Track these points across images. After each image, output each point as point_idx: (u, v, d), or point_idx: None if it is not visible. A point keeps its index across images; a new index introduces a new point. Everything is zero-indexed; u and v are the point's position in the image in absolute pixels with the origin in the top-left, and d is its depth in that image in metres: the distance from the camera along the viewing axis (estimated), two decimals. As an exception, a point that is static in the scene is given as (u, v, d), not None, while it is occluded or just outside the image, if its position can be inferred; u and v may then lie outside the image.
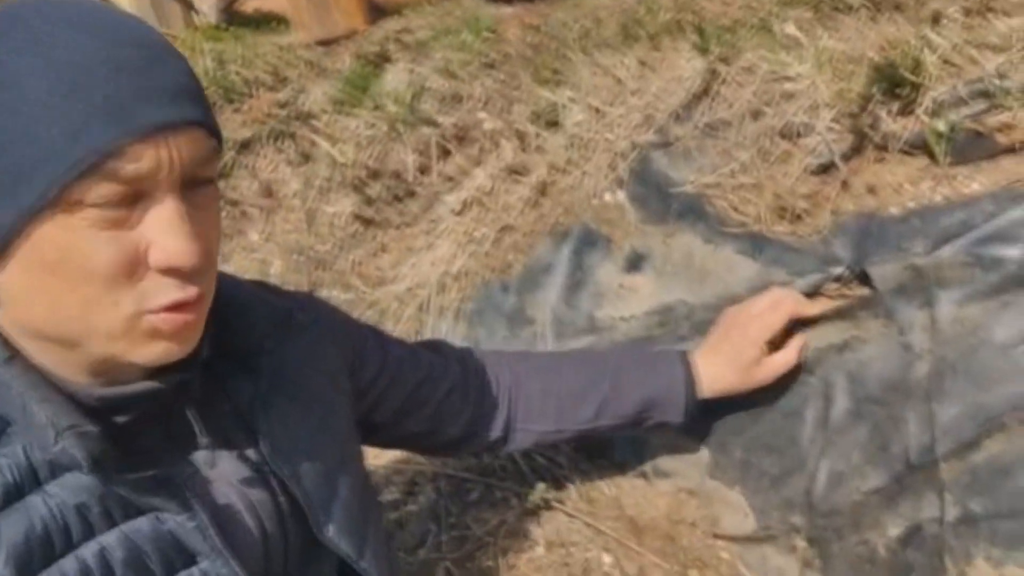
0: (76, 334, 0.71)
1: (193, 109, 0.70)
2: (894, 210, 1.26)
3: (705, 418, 1.34)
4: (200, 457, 0.83)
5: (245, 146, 2.25)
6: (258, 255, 2.06)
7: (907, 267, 1.20)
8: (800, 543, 1.24)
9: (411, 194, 1.92)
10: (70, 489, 0.71)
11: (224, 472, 0.84)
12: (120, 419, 0.76)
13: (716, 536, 1.32)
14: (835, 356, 1.25)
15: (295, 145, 2.14)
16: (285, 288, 1.09)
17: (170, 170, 0.68)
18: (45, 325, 0.71)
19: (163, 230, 0.69)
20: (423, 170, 1.92)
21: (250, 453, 0.86)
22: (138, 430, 0.78)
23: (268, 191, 2.17)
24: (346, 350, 1.06)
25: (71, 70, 0.65)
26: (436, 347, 1.22)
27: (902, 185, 1.28)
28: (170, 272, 0.71)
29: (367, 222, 1.90)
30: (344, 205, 1.95)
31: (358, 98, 2.08)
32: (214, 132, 0.74)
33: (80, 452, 0.69)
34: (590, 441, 1.36)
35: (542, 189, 1.66)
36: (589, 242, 1.55)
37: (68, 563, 0.70)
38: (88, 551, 0.71)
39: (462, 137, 1.91)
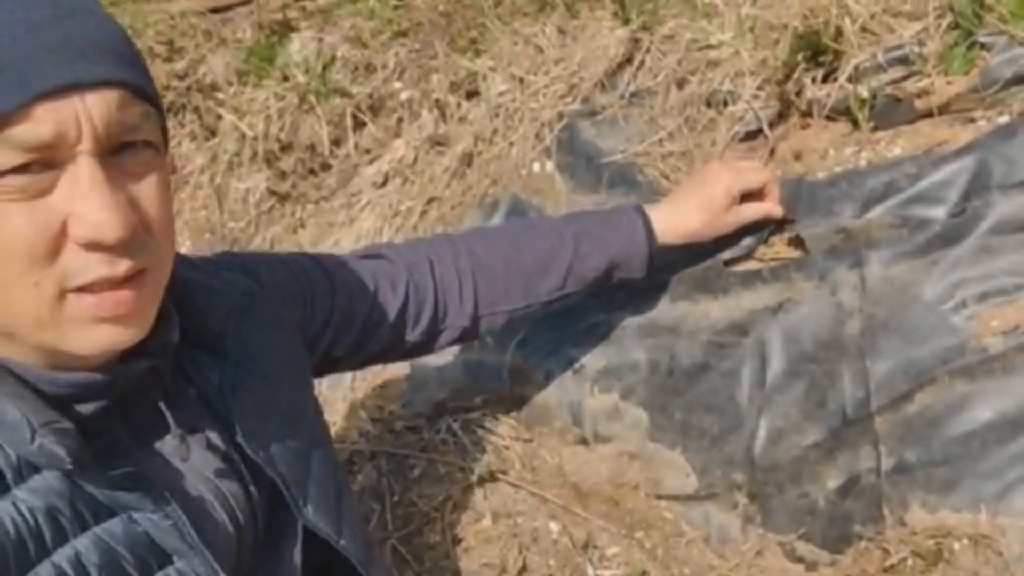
0: (3, 323, 0.67)
1: (108, 67, 0.65)
2: (821, 175, 1.30)
3: (640, 379, 1.37)
4: (170, 449, 0.80)
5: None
6: (165, 234, 1.98)
7: (838, 230, 1.25)
8: (741, 499, 1.29)
9: (327, 167, 1.88)
10: (39, 492, 0.67)
11: (195, 464, 0.81)
12: (85, 409, 0.72)
13: (659, 497, 1.35)
14: (770, 317, 1.29)
15: (199, 119, 2.06)
16: (214, 253, 1.04)
17: (80, 134, 0.63)
18: None
19: (81, 200, 0.64)
20: (338, 142, 1.88)
21: (218, 441, 0.83)
22: (103, 424, 0.74)
23: (171, 168, 2.09)
24: (295, 305, 1.02)
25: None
26: (382, 254, 1.15)
27: (827, 150, 1.32)
28: (93, 246, 0.65)
29: (282, 197, 1.85)
30: (256, 180, 1.89)
31: (264, 69, 2.01)
32: (141, 93, 0.68)
33: (60, 450, 0.66)
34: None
35: (467, 160, 1.65)
36: (520, 212, 1.55)
37: (44, 571, 0.66)
38: (63, 557, 0.67)
39: (377, 108, 1.87)
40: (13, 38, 0.61)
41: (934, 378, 1.16)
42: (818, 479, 1.23)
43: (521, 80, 1.66)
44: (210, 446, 0.83)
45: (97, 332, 0.68)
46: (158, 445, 0.79)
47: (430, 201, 1.65)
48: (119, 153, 0.66)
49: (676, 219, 1.24)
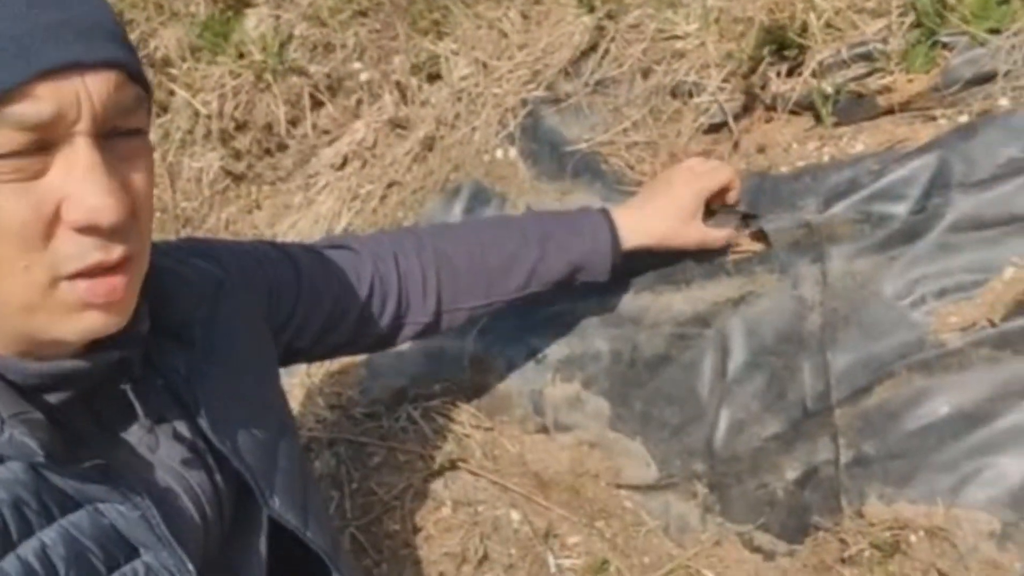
0: None
1: (109, 48, 0.64)
2: (785, 169, 1.31)
3: (602, 369, 1.37)
4: (138, 440, 0.78)
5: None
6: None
7: (800, 224, 1.26)
8: (701, 489, 1.30)
9: (283, 147, 1.84)
10: (5, 484, 0.65)
11: (163, 455, 0.79)
12: (52, 399, 0.70)
13: (619, 486, 1.36)
14: (731, 310, 1.31)
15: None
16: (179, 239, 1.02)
17: (79, 114, 0.62)
18: None
19: (78, 182, 0.63)
20: (295, 122, 1.85)
21: (185, 431, 0.82)
22: (68, 414, 0.72)
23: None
24: (260, 294, 1.01)
25: None
26: (347, 245, 1.15)
27: (791, 145, 1.33)
28: (88, 231, 0.64)
29: (237, 178, 1.81)
30: (210, 160, 1.85)
31: (219, 45, 1.96)
32: (137, 76, 0.67)
33: (32, 441, 0.64)
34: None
35: (429, 144, 1.63)
36: (482, 199, 1.54)
37: (9, 564, 0.64)
38: (29, 550, 0.65)
39: (336, 88, 1.84)
40: (13, 15, 0.60)
41: (893, 372, 1.18)
42: (777, 470, 1.25)
43: (484, 64, 1.64)
44: (177, 436, 0.81)
45: (85, 318, 0.67)
46: (125, 436, 0.78)
47: (390, 185, 1.63)
48: (112, 137, 0.65)
49: (641, 224, 1.25)
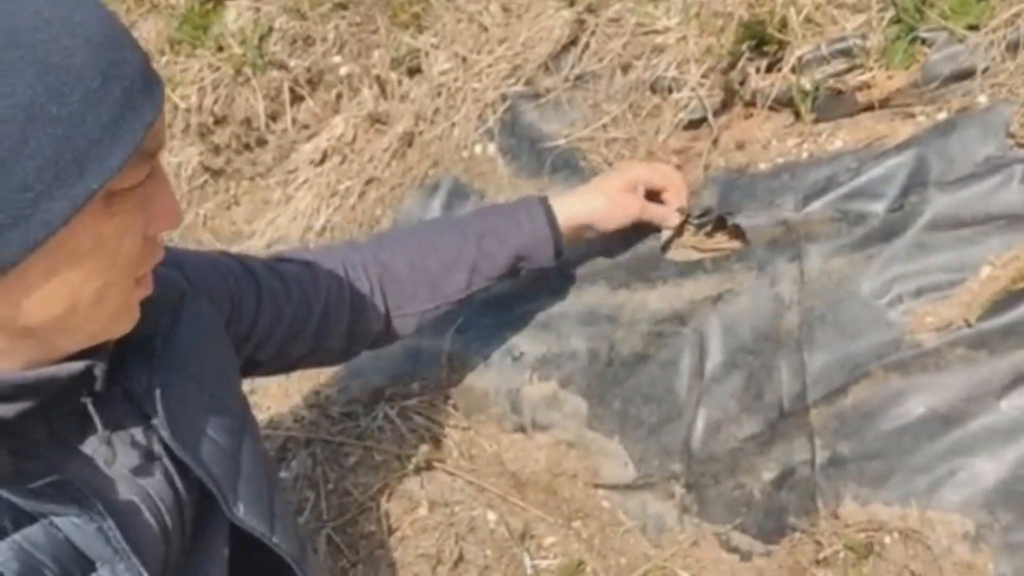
0: (73, 323, 0.69)
1: (157, 77, 0.69)
2: (763, 166, 1.30)
3: (579, 368, 1.36)
4: (94, 452, 0.77)
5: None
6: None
7: (779, 222, 1.25)
8: (678, 489, 1.29)
9: (262, 142, 1.83)
10: None
11: (121, 466, 0.78)
12: (8, 411, 0.69)
13: (596, 486, 1.35)
14: (709, 308, 1.29)
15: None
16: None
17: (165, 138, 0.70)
18: (49, 319, 0.67)
19: (163, 196, 0.70)
20: (275, 116, 1.83)
21: (145, 440, 0.81)
22: (23, 425, 0.71)
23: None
24: (223, 305, 1.01)
25: (104, 48, 0.62)
26: (302, 260, 1.16)
27: (770, 141, 1.32)
28: (157, 236, 0.72)
29: (216, 173, 1.80)
30: (189, 154, 1.83)
31: (198, 38, 1.94)
32: None
33: None
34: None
35: (408, 140, 1.62)
36: (460, 196, 1.53)
37: None
38: None
39: (316, 82, 1.83)
40: (123, 56, 0.63)
41: (869, 372, 1.17)
42: (754, 470, 1.24)
43: (464, 59, 1.63)
44: (136, 445, 0.81)
45: (133, 316, 0.76)
46: (81, 448, 0.77)
47: (369, 182, 1.61)
48: None
49: (576, 202, 1.27)
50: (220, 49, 1.92)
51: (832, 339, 1.20)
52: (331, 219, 1.60)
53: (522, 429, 1.41)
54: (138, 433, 0.81)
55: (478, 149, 1.55)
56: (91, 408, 0.75)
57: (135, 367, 0.82)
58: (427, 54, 1.68)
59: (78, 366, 0.72)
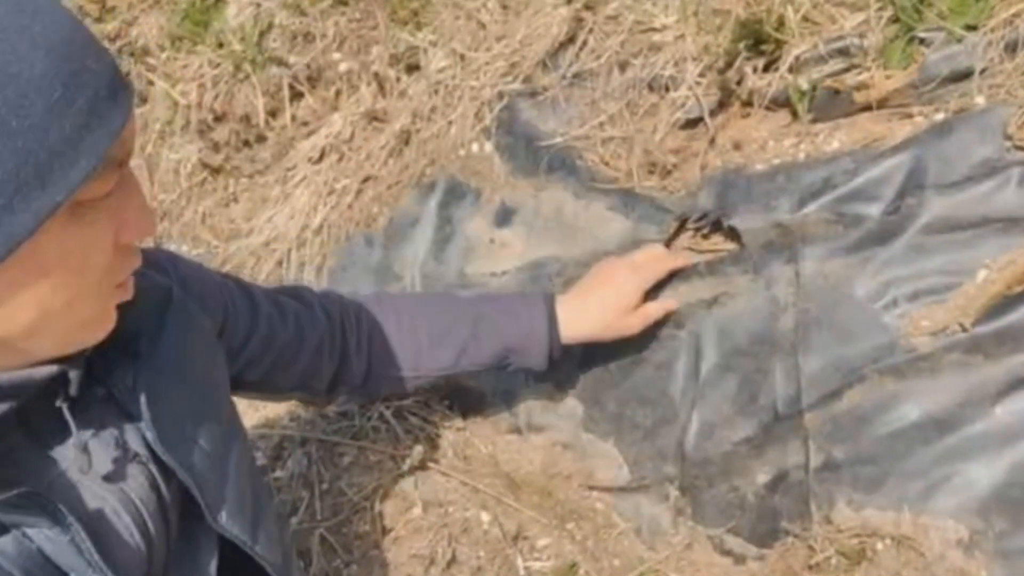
0: (45, 332, 0.67)
1: (125, 82, 0.67)
2: (760, 166, 1.29)
3: (575, 370, 1.36)
4: (71, 457, 0.76)
5: (71, 84, 2.07)
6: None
7: (774, 224, 1.24)
8: (673, 492, 1.29)
9: (262, 139, 1.82)
10: None
11: (100, 471, 0.77)
12: None
13: (591, 488, 1.34)
14: (704, 311, 1.29)
15: (130, 84, 1.98)
16: (146, 247, 1.02)
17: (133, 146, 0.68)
18: (18, 330, 0.66)
19: (135, 205, 0.68)
20: (274, 113, 1.83)
21: (129, 444, 0.80)
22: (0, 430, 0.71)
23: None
24: (216, 314, 1.01)
25: (66, 58, 0.60)
26: (300, 295, 1.18)
27: (767, 141, 1.31)
28: (131, 244, 0.70)
29: (215, 170, 1.79)
30: (188, 151, 1.83)
31: (199, 34, 1.94)
32: None
33: None
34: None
35: (405, 138, 1.61)
36: (457, 195, 1.52)
37: None
38: None
39: (316, 79, 1.82)
40: (88, 63, 0.62)
41: (864, 376, 1.16)
42: (748, 474, 1.23)
43: (462, 56, 1.62)
44: (119, 447, 0.80)
45: (113, 319, 0.74)
46: (60, 453, 0.76)
47: (366, 180, 1.60)
48: None
49: (582, 316, 1.23)
50: (220, 45, 1.91)
51: (827, 342, 1.19)
52: (328, 217, 1.60)
53: (517, 430, 1.41)
54: (121, 435, 0.80)
55: (475, 147, 1.54)
56: (67, 413, 0.74)
57: (119, 367, 0.81)
58: (425, 51, 1.67)
59: (51, 370, 0.71)
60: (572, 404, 1.38)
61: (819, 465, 1.18)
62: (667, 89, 1.40)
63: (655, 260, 1.26)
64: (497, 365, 1.24)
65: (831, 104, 1.27)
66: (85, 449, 0.76)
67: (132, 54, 2.00)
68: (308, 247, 1.61)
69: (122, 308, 0.81)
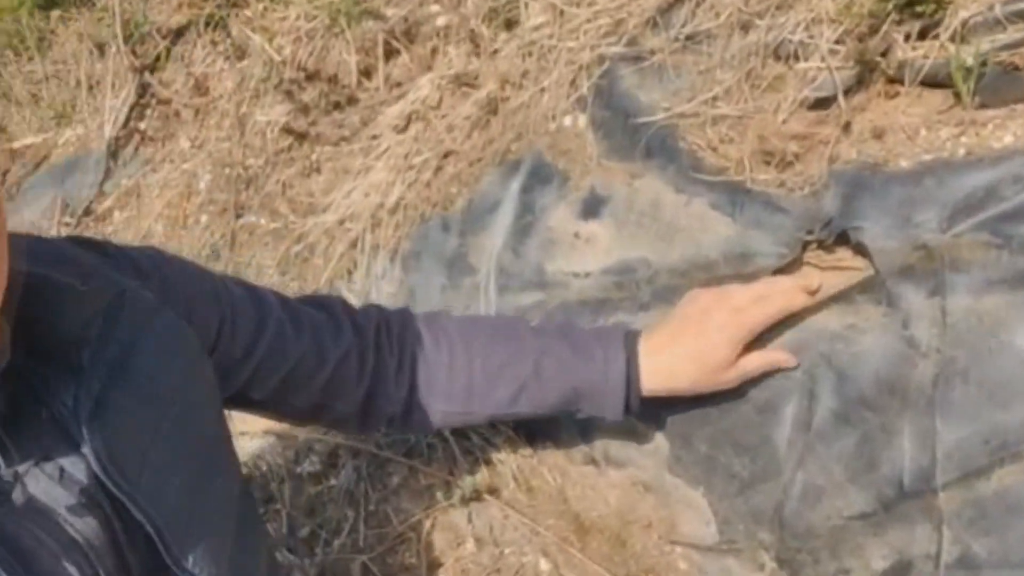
0: None
1: None
2: (904, 163, 1.00)
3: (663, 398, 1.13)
4: (8, 490, 0.65)
5: (180, 34, 1.98)
6: (187, 166, 1.82)
7: (916, 244, 0.96)
8: (769, 562, 1.05)
9: (353, 101, 1.65)
10: None
11: (40, 504, 0.65)
12: None
13: (673, 542, 1.12)
14: (825, 345, 1.03)
15: (231, 37, 1.86)
16: (128, 245, 0.90)
17: None
18: None
19: None
20: (368, 73, 1.66)
21: (76, 472, 0.68)
22: None
23: (202, 88, 1.91)
24: (207, 320, 0.89)
25: None
26: (328, 306, 1.04)
27: (917, 130, 1.02)
28: None
29: (300, 136, 1.65)
30: (277, 113, 1.69)
31: (296, -18, 1.79)
32: None
33: None
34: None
35: (492, 107, 1.40)
36: (542, 177, 1.30)
37: None
38: None
39: (413, 34, 1.63)
40: None
41: (1021, 453, 0.88)
42: (861, 555, 0.98)
43: (561, 12, 1.38)
44: (64, 479, 0.68)
45: None
46: None
47: (447, 155, 1.41)
48: None
49: (668, 368, 1.02)
50: (319, -6, 1.75)
51: (976, 403, 0.91)
52: (405, 196, 1.42)
53: (593, 462, 1.20)
54: (67, 463, 0.68)
55: (567, 121, 1.31)
56: None
57: (60, 385, 0.69)
58: (526, 5, 1.44)
59: None
60: (657, 439, 1.15)
61: (953, 560, 0.91)
62: (796, 58, 1.12)
63: (765, 301, 1.00)
64: (564, 411, 1.06)
65: (1007, 84, 0.97)
66: (16, 477, 0.65)
67: (234, 4, 1.88)
68: (383, 228, 1.44)
69: (54, 314, 0.71)
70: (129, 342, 0.75)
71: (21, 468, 0.65)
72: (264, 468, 1.36)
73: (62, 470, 0.68)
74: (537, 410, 1.05)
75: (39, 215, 1.93)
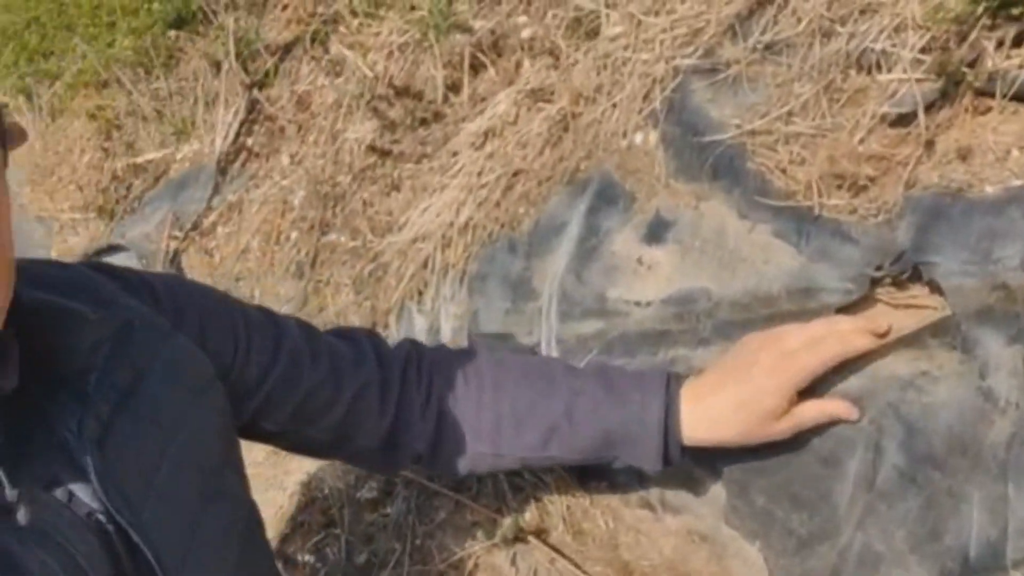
0: None
1: None
2: (990, 189, 0.87)
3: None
4: (3, 516, 0.65)
5: (288, 51, 2.01)
6: (286, 182, 1.84)
7: (996, 284, 0.83)
8: (825, 632, 0.94)
9: (439, 117, 1.62)
10: None
11: (41, 527, 0.65)
12: None
13: (726, 601, 1.03)
14: (894, 393, 0.91)
15: (328, 53, 1.87)
16: (148, 271, 0.90)
17: None
18: None
19: None
20: (455, 87, 1.62)
21: (81, 496, 0.69)
22: None
23: (304, 104, 1.93)
24: (222, 346, 0.88)
25: None
26: (352, 336, 1.01)
27: (1008, 151, 0.89)
28: None
29: (384, 154, 1.63)
30: (365, 130, 1.68)
31: (395, -2, 1.77)
32: None
33: None
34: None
35: (564, 124, 1.33)
36: (608, 198, 1.23)
37: None
38: None
39: (500, 48, 1.58)
40: None
41: (1114, 536, 0.74)
42: (926, 635, 0.86)
43: (639, 22, 1.30)
44: (74, 502, 0.69)
45: None
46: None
47: (516, 173, 1.35)
48: None
49: (711, 417, 0.93)
50: (413, 8, 1.73)
51: (1061, 472, 0.78)
52: (474, 215, 1.37)
53: (648, 506, 1.12)
54: (74, 487, 0.69)
55: (638, 138, 1.23)
56: None
57: (66, 410, 0.70)
58: (606, 15, 1.37)
59: None
60: (715, 488, 1.06)
61: (1029, 654, 0.78)
62: (878, 68, 1.01)
63: (819, 345, 0.90)
64: (599, 458, 0.98)
65: (1115, 98, 0.82)
66: (21, 500, 0.66)
67: (336, 20, 1.89)
68: (453, 248, 1.39)
69: (63, 339, 0.72)
70: (137, 368, 0.75)
71: (26, 490, 0.65)
72: (325, 491, 1.34)
73: (71, 494, 0.68)
74: (570, 454, 0.98)
75: (153, 229, 2.00)
